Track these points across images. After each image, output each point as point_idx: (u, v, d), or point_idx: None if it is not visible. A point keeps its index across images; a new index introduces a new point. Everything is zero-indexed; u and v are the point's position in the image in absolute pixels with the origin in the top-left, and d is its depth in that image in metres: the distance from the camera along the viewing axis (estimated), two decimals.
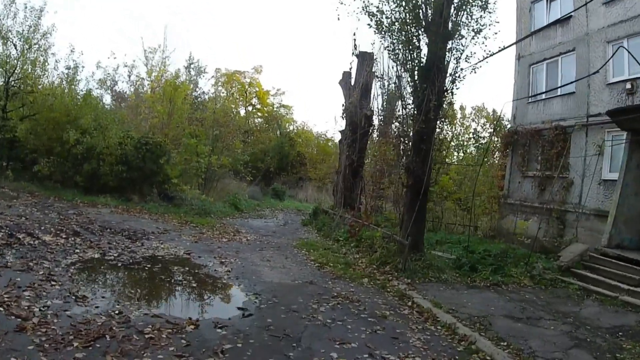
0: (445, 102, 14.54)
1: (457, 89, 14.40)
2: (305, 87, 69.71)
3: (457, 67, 14.08)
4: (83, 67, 26.13)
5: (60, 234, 12.60)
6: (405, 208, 14.20)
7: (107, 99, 37.04)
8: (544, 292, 12.67)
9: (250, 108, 50.64)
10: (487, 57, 13.95)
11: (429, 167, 14.21)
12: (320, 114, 72.83)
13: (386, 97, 25.92)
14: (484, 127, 40.62)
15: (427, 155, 13.98)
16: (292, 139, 43.64)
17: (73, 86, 23.12)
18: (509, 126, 23.52)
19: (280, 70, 72.11)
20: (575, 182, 17.73)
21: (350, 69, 22.80)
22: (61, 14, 55.92)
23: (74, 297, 7.90)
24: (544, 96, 19.99)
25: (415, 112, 14.11)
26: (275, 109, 50.32)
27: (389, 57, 14.60)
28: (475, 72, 14.39)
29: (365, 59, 22.48)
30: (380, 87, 16.15)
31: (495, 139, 30.44)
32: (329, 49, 77.94)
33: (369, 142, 22.49)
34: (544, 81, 20.30)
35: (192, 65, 40.95)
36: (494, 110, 41.48)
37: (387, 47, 14.47)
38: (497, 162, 27.70)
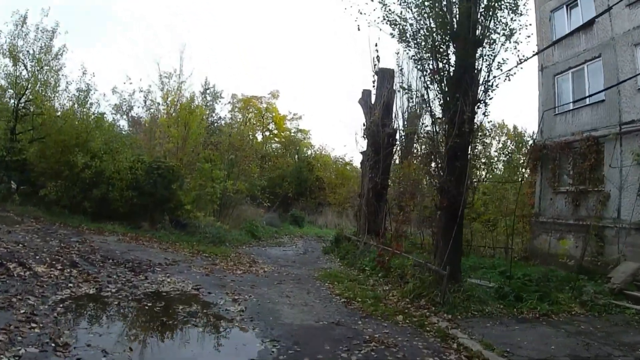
0: (478, 114, 12.97)
1: (490, 99, 12.82)
2: (322, 111, 68.66)
3: (489, 75, 12.60)
4: (96, 90, 25.20)
5: (56, 265, 11.23)
6: (440, 233, 12.52)
7: (123, 124, 36.22)
8: (600, 320, 11.22)
9: (267, 133, 49.56)
10: (521, 62, 12.53)
11: (465, 187, 12.61)
12: (338, 138, 71.58)
13: (409, 111, 24.53)
14: (505, 144, 38.79)
15: (462, 173, 12.40)
16: (310, 163, 42.17)
17: (84, 109, 21.99)
18: (533, 140, 22.44)
19: (297, 94, 71.32)
20: (613, 195, 16.29)
21: (375, 86, 21.33)
22: (74, 36, 55.31)
23: (53, 345, 6.49)
24: (571, 106, 18.74)
25: (447, 126, 12.54)
26: (292, 134, 49.11)
27: (415, 66, 13.12)
28: (509, 80, 12.93)
29: (385, 76, 21.07)
30: (408, 100, 14.55)
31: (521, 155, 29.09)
32: (345, 70, 76.88)
33: (392, 162, 20.93)
34: (570, 91, 19.06)
35: (208, 91, 40.14)
36: (514, 127, 39.85)
37: (413, 56, 13.06)
38: (526, 178, 26.07)
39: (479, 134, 13.30)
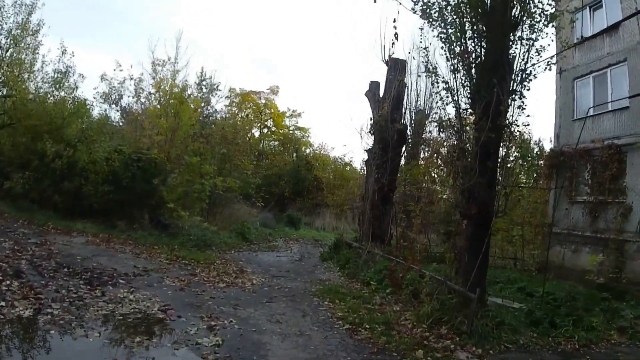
0: (513, 107, 10.70)
1: (527, 89, 10.56)
2: (322, 109, 65.91)
3: (526, 62, 10.36)
4: (77, 73, 22.82)
5: None
6: (466, 245, 10.17)
7: (114, 116, 33.70)
8: None
9: (265, 130, 47.10)
10: (564, 50, 10.34)
11: (496, 192, 10.39)
12: (338, 137, 69.26)
13: (417, 110, 22.22)
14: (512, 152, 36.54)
15: (494, 175, 10.17)
16: (309, 162, 39.71)
17: (60, 92, 19.66)
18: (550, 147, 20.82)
19: (297, 91, 68.47)
20: (635, 208, 15.22)
21: (385, 77, 19.00)
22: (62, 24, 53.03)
23: None
24: (592, 112, 17.16)
25: (478, 118, 10.25)
26: (291, 132, 46.67)
27: (443, 47, 10.77)
28: (550, 69, 10.89)
29: (397, 67, 18.76)
30: (432, 83, 11.90)
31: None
32: (346, 69, 73.98)
33: (400, 162, 18.59)
34: (591, 96, 17.81)
35: (203, 82, 37.65)
36: (520, 133, 37.29)
37: (439, 34, 10.72)
38: (540, 186, 24.03)
39: (515, 130, 10.94)
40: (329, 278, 14.95)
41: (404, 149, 18.83)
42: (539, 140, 38.04)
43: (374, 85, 19.65)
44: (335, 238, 20.33)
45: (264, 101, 46.51)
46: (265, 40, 70.79)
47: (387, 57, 18.86)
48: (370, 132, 18.42)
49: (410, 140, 19.64)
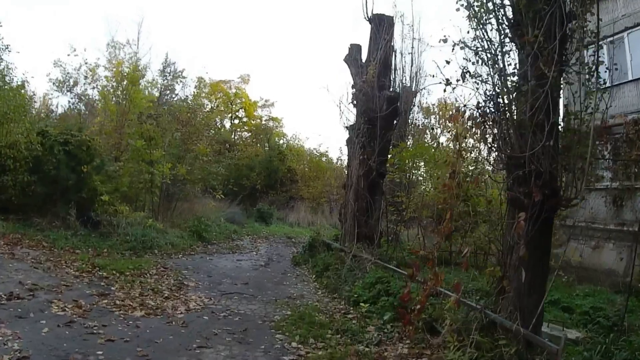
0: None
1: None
2: (296, 98, 60.49)
3: None
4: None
5: None
6: (525, 254, 5.84)
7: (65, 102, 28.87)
8: None
9: (236, 121, 42.56)
10: None
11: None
12: (313, 127, 64.60)
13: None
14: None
15: (557, 141, 6.06)
16: (282, 152, 35.24)
17: None
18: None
19: (269, 79, 62.75)
20: None
21: (370, 38, 14.61)
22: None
23: None
24: (608, 83, 13.11)
25: (531, 60, 6.02)
26: (263, 122, 42.22)
27: None
28: None
29: (382, 24, 14.39)
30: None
31: None
32: (321, 51, 68.28)
33: (392, 139, 14.16)
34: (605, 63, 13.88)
35: (167, 69, 33.15)
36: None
37: None
38: None
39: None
40: (301, 293, 10.54)
41: (396, 122, 14.47)
42: None
43: (355, 49, 15.22)
44: (311, 237, 15.81)
45: (234, 90, 42.14)
46: (236, 22, 64.83)
47: (370, 14, 14.57)
48: (352, 102, 13.97)
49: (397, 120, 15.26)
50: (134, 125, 18.15)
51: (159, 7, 55.74)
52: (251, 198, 31.48)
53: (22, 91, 15.90)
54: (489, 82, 6.81)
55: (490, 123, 6.89)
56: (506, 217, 6.87)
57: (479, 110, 6.86)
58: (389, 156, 14.30)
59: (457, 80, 7.06)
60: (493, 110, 6.74)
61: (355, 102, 13.94)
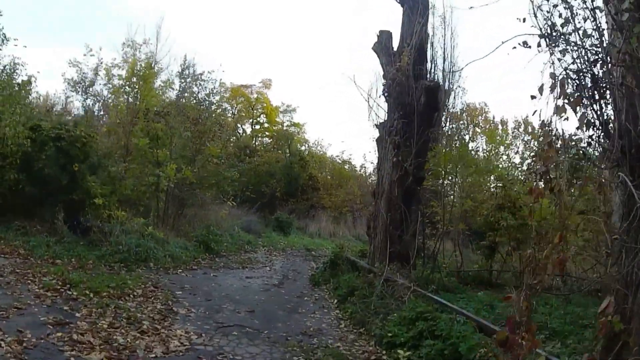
0: None
1: None
2: (319, 104, 57.98)
3: None
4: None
5: None
6: None
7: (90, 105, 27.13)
8: None
9: (257, 126, 40.69)
10: None
11: None
12: (335, 135, 62.36)
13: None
14: (528, 145, 29.75)
15: None
16: (304, 159, 33.08)
17: None
18: None
19: (291, 84, 60.33)
20: None
21: (402, 22, 12.37)
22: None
23: None
24: None
25: None
26: (284, 128, 40.25)
27: None
28: None
29: (416, 6, 12.10)
30: None
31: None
32: (343, 58, 65.75)
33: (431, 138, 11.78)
34: None
35: (185, 71, 31.34)
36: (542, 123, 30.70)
37: None
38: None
39: None
40: (319, 327, 8.26)
41: (436, 116, 12.14)
42: None
43: (385, 36, 12.92)
44: (333, 252, 13.45)
45: (255, 95, 40.36)
46: (259, 27, 62.64)
47: None
48: (384, 94, 11.67)
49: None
50: (140, 123, 16.21)
51: (180, 11, 54.15)
52: (270, 206, 29.36)
53: (14, 79, 13.99)
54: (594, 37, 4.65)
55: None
56: (626, 237, 4.56)
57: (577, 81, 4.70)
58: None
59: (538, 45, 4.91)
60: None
61: (387, 94, 11.64)
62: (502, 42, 5.66)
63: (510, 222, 12.04)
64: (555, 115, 4.72)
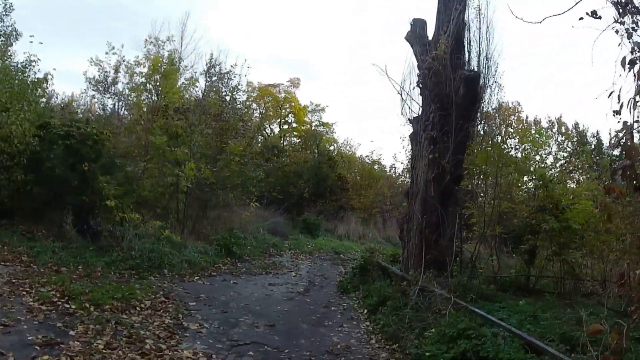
0: None
1: None
2: (349, 103, 56.77)
3: None
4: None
5: None
6: None
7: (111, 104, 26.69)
8: None
9: (285, 126, 39.89)
10: None
11: None
12: (365, 135, 61.40)
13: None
14: (561, 146, 28.33)
15: None
16: (332, 158, 32.05)
17: None
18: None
19: (321, 83, 59.20)
20: None
21: (437, 9, 11.22)
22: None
23: None
24: None
25: None
26: (313, 127, 39.31)
27: None
28: None
29: None
30: None
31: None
32: (373, 52, 64.14)
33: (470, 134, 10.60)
34: None
35: (211, 70, 30.66)
36: (575, 124, 29.90)
37: None
38: None
39: None
40: (347, 343, 7.20)
41: (475, 109, 10.92)
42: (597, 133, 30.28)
43: (419, 24, 11.76)
44: (362, 257, 12.35)
45: (283, 95, 39.57)
46: (288, 25, 61.67)
47: None
48: (418, 85, 10.54)
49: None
50: (159, 120, 15.46)
51: (207, 10, 53.74)
52: (298, 207, 28.46)
53: (28, 76, 13.39)
54: None
55: None
56: None
57: None
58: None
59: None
60: None
61: (422, 84, 10.48)
62: (568, 9, 4.74)
63: (553, 225, 10.83)
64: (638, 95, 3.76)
